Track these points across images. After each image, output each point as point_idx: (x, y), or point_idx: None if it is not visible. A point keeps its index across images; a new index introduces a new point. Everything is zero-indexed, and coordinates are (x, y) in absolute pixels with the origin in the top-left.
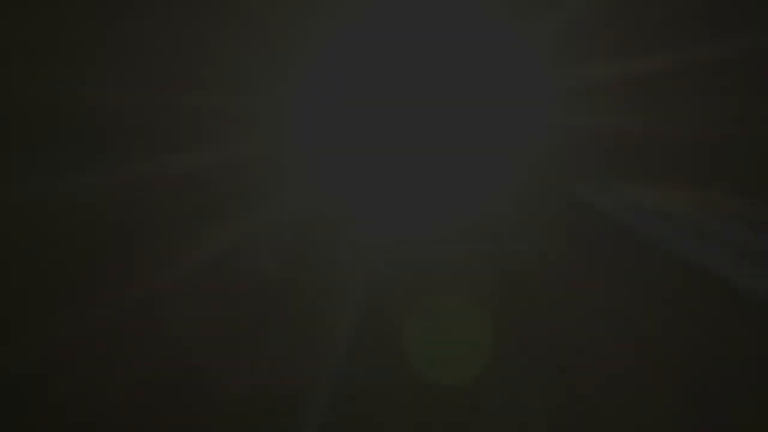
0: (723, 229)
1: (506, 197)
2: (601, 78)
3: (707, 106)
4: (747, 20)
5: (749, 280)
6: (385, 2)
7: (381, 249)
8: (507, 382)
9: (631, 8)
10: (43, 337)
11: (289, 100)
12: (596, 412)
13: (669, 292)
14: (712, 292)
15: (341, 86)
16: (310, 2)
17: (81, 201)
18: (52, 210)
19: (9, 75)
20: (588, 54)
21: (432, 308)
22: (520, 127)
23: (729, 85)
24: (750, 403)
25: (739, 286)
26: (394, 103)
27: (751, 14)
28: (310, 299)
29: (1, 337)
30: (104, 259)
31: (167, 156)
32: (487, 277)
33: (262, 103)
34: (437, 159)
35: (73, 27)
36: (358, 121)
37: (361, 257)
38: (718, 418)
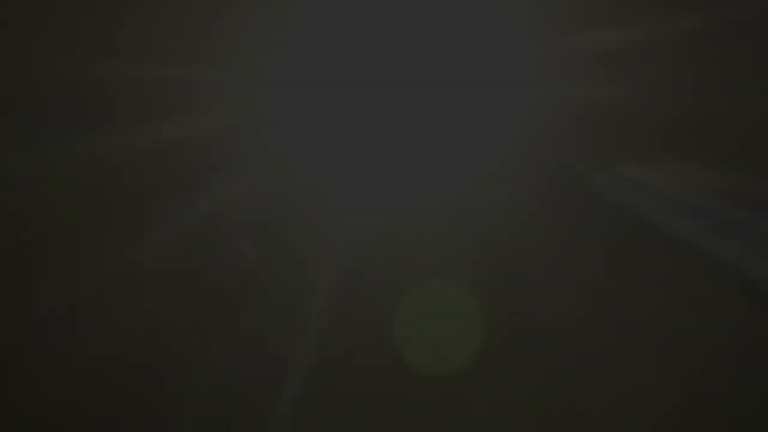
0: (721, 208)
1: (496, 172)
2: (592, 50)
3: (706, 80)
4: None
5: (748, 261)
6: None
7: (364, 226)
8: (494, 367)
9: None
10: (11, 312)
11: (270, 70)
12: (588, 399)
13: (665, 273)
14: (709, 274)
15: (321, 56)
16: None
17: (53, 173)
18: (27, 182)
19: None
20: (581, 25)
21: (417, 289)
22: (509, 102)
23: (730, 57)
24: (748, 388)
25: (738, 268)
26: (376, 76)
27: None
28: (288, 276)
29: None
30: (76, 233)
31: (144, 127)
32: (476, 256)
33: (242, 74)
34: (424, 135)
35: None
36: (340, 94)
37: (342, 238)
38: (715, 403)
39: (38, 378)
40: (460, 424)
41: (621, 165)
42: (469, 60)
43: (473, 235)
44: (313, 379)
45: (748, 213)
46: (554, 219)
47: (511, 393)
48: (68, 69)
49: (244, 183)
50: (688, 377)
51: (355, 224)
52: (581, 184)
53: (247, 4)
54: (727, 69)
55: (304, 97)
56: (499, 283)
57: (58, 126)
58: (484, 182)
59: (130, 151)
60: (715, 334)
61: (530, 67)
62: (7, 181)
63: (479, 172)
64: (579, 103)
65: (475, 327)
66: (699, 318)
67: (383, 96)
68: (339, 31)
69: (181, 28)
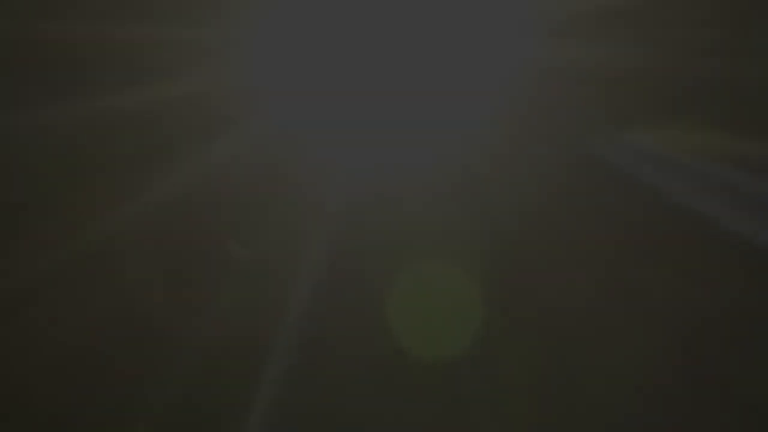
0: (722, 172)
1: (495, 137)
2: (591, 13)
3: (706, 42)
4: None
5: (748, 225)
6: None
7: (362, 203)
8: (496, 352)
9: None
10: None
11: (258, 33)
12: (592, 388)
13: (665, 237)
14: (707, 238)
15: (315, 19)
16: None
17: (42, 134)
18: (14, 143)
19: None
20: None
21: (416, 270)
22: (508, 66)
23: (732, 18)
24: (744, 353)
25: (737, 232)
26: (374, 44)
27: None
28: (275, 244)
29: None
30: (62, 197)
31: (132, 89)
32: (477, 229)
33: (229, 37)
34: (423, 101)
35: None
36: (336, 56)
37: (337, 212)
38: (708, 365)
39: (14, 347)
40: (459, 414)
41: (624, 130)
42: (473, 23)
43: (473, 208)
44: (302, 364)
45: (750, 177)
46: (557, 187)
47: (513, 380)
48: (61, 29)
49: (233, 148)
50: (693, 351)
51: (352, 200)
52: (584, 149)
53: None
54: (733, 32)
55: (298, 58)
56: (500, 259)
57: (49, 87)
58: (485, 151)
59: (118, 114)
60: (720, 301)
61: (535, 30)
62: None
63: (480, 139)
64: (582, 67)
65: (477, 308)
66: (703, 287)
67: (384, 60)
68: None
69: None
